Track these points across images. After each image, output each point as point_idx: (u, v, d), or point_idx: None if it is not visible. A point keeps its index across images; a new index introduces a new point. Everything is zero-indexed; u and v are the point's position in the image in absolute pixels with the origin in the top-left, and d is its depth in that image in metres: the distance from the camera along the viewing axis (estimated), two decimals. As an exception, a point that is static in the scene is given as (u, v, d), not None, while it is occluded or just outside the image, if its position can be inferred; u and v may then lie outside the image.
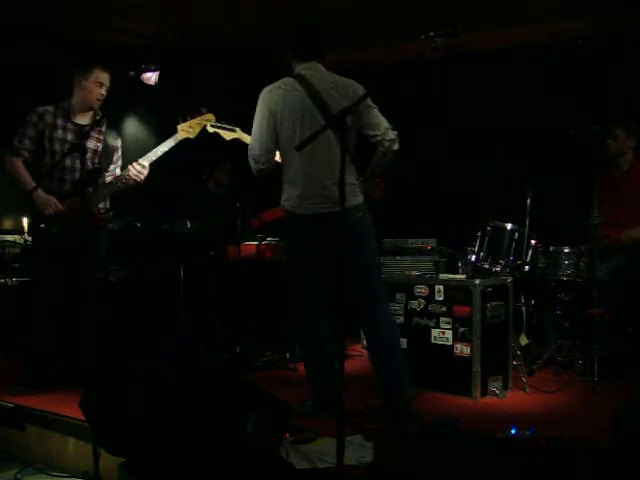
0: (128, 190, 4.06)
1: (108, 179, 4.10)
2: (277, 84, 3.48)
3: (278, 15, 5.45)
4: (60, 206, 3.88)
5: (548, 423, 3.32)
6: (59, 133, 3.96)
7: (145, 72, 5.69)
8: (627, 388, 4.05)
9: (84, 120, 4.05)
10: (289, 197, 3.47)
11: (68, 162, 3.93)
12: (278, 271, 5.05)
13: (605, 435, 2.42)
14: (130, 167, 3.95)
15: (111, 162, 4.14)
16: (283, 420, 2.66)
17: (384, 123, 3.43)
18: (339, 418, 2.32)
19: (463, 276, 4.28)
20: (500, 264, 4.43)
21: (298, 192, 3.42)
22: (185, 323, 4.86)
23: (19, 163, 3.92)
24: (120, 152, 4.23)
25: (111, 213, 4.10)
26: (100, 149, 4.06)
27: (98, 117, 4.08)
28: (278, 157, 3.57)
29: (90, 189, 3.90)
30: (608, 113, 5.01)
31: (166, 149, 4.02)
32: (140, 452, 2.61)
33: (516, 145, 5.54)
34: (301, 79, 3.43)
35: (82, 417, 2.90)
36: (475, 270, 4.38)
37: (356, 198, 3.40)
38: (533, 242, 4.56)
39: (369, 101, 3.40)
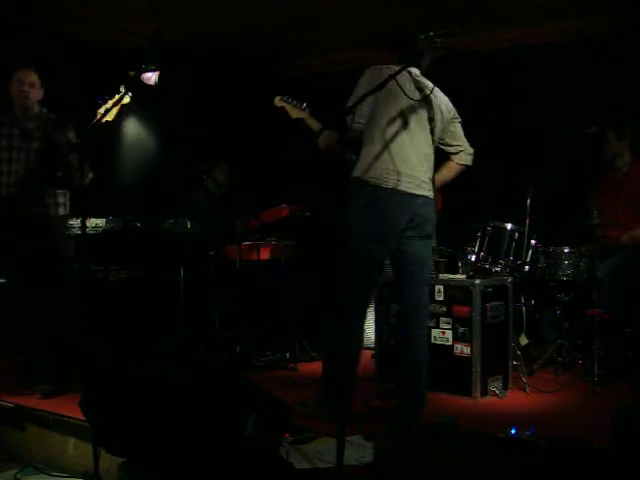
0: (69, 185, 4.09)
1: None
2: (385, 66, 3.37)
3: (278, 15, 5.45)
4: None
5: (548, 423, 3.33)
6: (3, 141, 4.02)
7: (145, 72, 5.68)
8: (627, 388, 4.05)
9: (29, 124, 4.08)
10: (379, 169, 3.33)
11: (14, 167, 3.98)
12: (278, 271, 5.07)
13: (605, 435, 2.42)
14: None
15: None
16: (283, 420, 2.65)
17: (463, 134, 3.57)
18: (339, 418, 2.32)
19: (463, 276, 4.28)
20: (500, 264, 4.43)
21: (391, 166, 3.32)
22: (185, 323, 4.86)
23: None
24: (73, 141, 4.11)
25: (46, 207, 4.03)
26: (42, 147, 4.01)
27: (44, 117, 4.09)
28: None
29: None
30: (608, 114, 5.02)
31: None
32: (140, 452, 2.61)
33: (516, 145, 5.54)
34: (413, 75, 3.44)
35: (82, 417, 2.90)
36: (475, 270, 4.38)
37: (430, 191, 3.43)
38: (533, 242, 4.56)
39: (456, 113, 3.55)
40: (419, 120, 3.40)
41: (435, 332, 4.07)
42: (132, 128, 6.30)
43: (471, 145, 3.62)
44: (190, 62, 6.22)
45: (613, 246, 4.57)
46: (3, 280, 4.31)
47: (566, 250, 4.63)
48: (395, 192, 3.30)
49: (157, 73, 5.75)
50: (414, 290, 3.44)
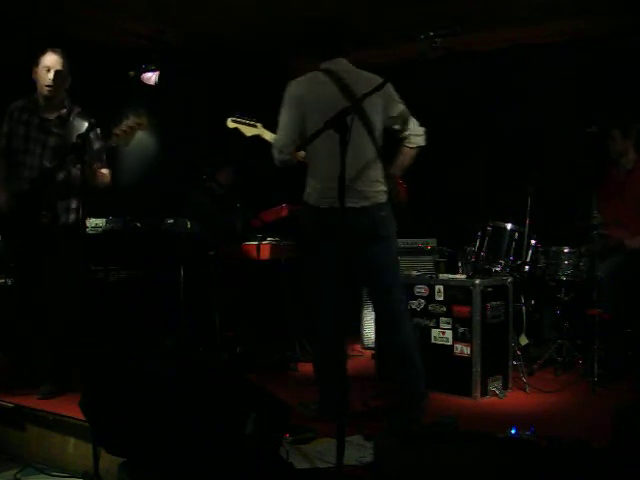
0: (95, 190, 3.84)
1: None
2: (303, 77, 3.41)
3: (278, 15, 5.45)
4: (6, 206, 3.76)
5: (548, 423, 3.33)
6: (20, 129, 3.82)
7: (145, 72, 5.69)
8: (627, 388, 4.05)
9: (50, 114, 3.84)
10: (312, 190, 3.40)
11: (29, 160, 3.79)
12: (278, 271, 5.07)
13: (605, 435, 2.42)
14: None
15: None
16: (283, 420, 2.65)
17: (412, 118, 3.45)
18: (339, 418, 2.32)
19: (463, 276, 4.28)
20: (500, 264, 4.44)
21: (320, 185, 3.35)
22: (185, 323, 4.86)
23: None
24: (98, 145, 3.86)
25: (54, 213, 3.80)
26: (60, 146, 3.79)
27: (64, 111, 3.85)
28: (302, 154, 3.51)
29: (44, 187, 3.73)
30: (608, 113, 5.02)
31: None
32: (140, 452, 2.61)
33: (516, 145, 5.54)
34: (328, 72, 3.38)
35: (82, 417, 2.90)
36: (475, 270, 4.38)
37: (380, 196, 3.36)
38: (533, 242, 4.57)
39: (396, 96, 3.42)
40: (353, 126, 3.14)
41: (435, 332, 4.07)
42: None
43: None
44: (190, 62, 6.22)
45: (614, 246, 4.57)
46: (9, 281, 4.29)
47: (566, 250, 4.63)
48: (327, 210, 3.28)
49: (157, 73, 5.75)
50: (384, 292, 3.43)
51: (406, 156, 3.51)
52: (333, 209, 3.24)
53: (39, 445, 3.49)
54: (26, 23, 5.35)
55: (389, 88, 3.34)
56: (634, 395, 3.86)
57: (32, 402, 3.67)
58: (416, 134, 3.48)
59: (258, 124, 3.67)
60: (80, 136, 3.26)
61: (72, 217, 3.84)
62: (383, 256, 3.40)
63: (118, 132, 3.49)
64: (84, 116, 3.82)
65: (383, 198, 3.37)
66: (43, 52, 3.79)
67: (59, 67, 3.78)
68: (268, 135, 3.61)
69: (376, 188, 3.35)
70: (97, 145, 3.83)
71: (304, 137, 3.30)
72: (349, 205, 3.20)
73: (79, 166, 3.52)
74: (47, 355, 3.91)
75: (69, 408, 3.37)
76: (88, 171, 3.53)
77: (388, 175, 3.42)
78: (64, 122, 3.83)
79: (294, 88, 3.38)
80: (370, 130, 3.33)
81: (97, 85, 5.11)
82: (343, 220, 2.59)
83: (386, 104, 3.37)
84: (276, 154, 3.42)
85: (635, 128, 4.66)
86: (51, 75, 3.75)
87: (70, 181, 3.77)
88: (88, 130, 3.46)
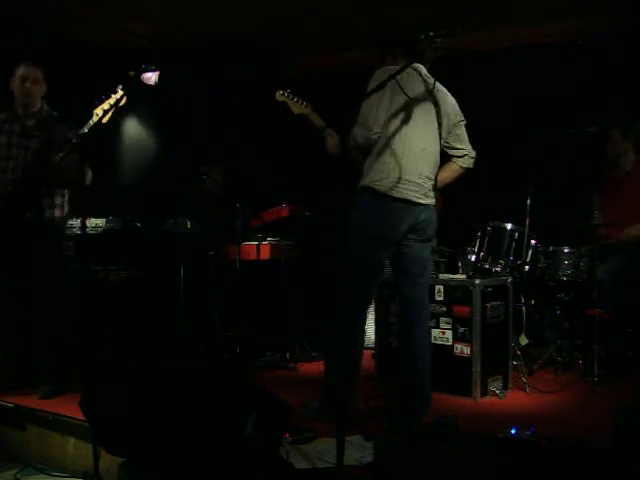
0: (65, 185, 4.00)
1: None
2: (397, 67, 3.28)
3: (278, 15, 5.45)
4: None
5: (548, 423, 3.33)
6: (3, 138, 3.97)
7: (145, 72, 5.67)
8: (627, 388, 4.05)
9: (31, 120, 4.01)
10: (386, 176, 3.32)
11: (12, 164, 3.92)
12: (278, 271, 5.07)
13: (605, 435, 2.42)
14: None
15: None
16: (283, 420, 2.65)
17: (467, 138, 3.55)
18: (339, 418, 2.32)
19: (463, 276, 4.28)
20: (500, 264, 4.43)
21: (397, 174, 3.32)
22: (185, 323, 4.86)
23: None
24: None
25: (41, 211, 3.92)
26: (41, 147, 3.94)
27: (44, 114, 4.03)
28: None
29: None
30: (608, 113, 5.02)
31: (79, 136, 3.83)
32: (140, 452, 2.61)
33: (516, 145, 5.54)
34: (417, 70, 3.41)
35: (82, 417, 2.90)
36: (475, 270, 4.38)
37: (433, 199, 3.44)
38: (533, 242, 4.56)
39: (462, 116, 3.54)
40: (426, 120, 3.37)
41: (435, 332, 4.07)
42: (132, 128, 6.30)
43: (472, 144, 3.61)
44: (190, 62, 6.22)
45: (614, 246, 4.57)
46: None
47: (566, 250, 4.63)
48: (400, 200, 3.30)
49: (157, 73, 5.74)
50: (414, 291, 3.44)
51: (453, 174, 3.57)
52: (407, 201, 3.32)
53: (39, 445, 3.49)
54: (26, 23, 5.35)
55: (457, 107, 3.52)
56: (634, 395, 3.86)
57: (32, 402, 3.68)
58: (470, 156, 3.56)
59: (309, 105, 3.61)
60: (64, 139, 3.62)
61: (57, 212, 3.98)
62: (427, 253, 3.53)
63: (99, 111, 3.66)
64: (63, 119, 4.03)
65: (434, 202, 3.46)
66: (18, 64, 4.00)
67: (34, 76, 3.98)
68: (316, 119, 3.56)
69: (432, 190, 3.44)
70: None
71: (387, 121, 3.30)
72: (417, 201, 3.34)
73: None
74: (45, 354, 3.92)
75: (69, 408, 3.37)
76: (74, 170, 3.69)
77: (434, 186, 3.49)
78: (44, 125, 4.00)
79: (386, 73, 3.21)
80: (440, 128, 3.43)
81: (97, 85, 5.10)
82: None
83: (455, 119, 3.50)
84: (363, 132, 3.31)
85: (634, 129, 4.66)
86: (28, 84, 3.96)
87: (52, 178, 3.90)
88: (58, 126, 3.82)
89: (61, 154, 3.80)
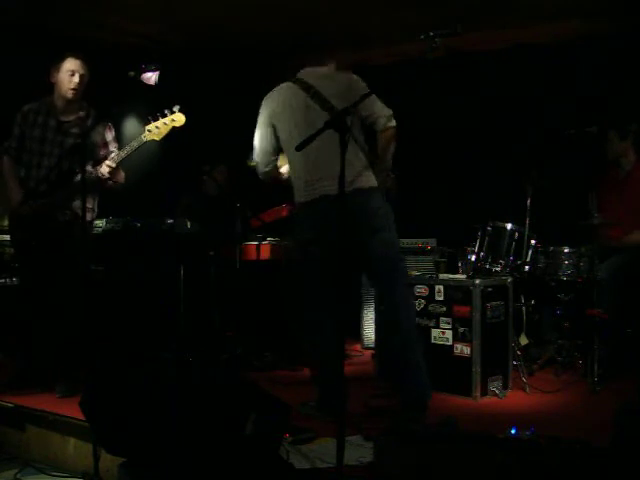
0: (108, 188, 3.99)
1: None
2: (275, 89, 3.56)
3: (278, 15, 5.45)
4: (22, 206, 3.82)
5: (548, 423, 3.33)
6: (37, 131, 3.87)
7: (145, 72, 5.67)
8: (627, 388, 4.05)
9: (68, 116, 3.91)
10: (297, 189, 3.49)
11: (45, 161, 3.84)
12: (278, 271, 5.07)
13: (605, 435, 2.42)
14: (99, 168, 3.84)
15: (96, 159, 3.95)
16: (283, 420, 2.65)
17: (377, 103, 3.43)
18: (339, 418, 2.32)
19: (463, 276, 4.27)
20: (500, 264, 4.44)
21: (303, 180, 3.43)
22: (185, 323, 4.86)
23: (9, 162, 3.93)
24: (113, 147, 4.04)
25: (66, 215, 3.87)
26: (78, 147, 3.77)
27: (82, 113, 3.94)
28: (285, 169, 3.64)
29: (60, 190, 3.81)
30: (608, 113, 5.02)
31: (130, 150, 3.84)
32: (140, 452, 2.61)
33: (516, 145, 5.54)
34: (297, 80, 3.49)
35: (82, 417, 2.90)
36: (475, 270, 4.38)
37: (364, 180, 3.36)
38: (533, 242, 4.56)
39: (365, 87, 3.43)
40: (314, 125, 3.13)
41: (435, 332, 4.07)
42: (132, 128, 6.30)
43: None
44: (190, 62, 6.22)
45: (614, 246, 4.57)
46: (9, 281, 4.29)
47: (566, 250, 4.63)
48: (314, 202, 3.39)
49: (157, 73, 5.74)
50: (383, 287, 3.46)
51: (382, 141, 3.46)
52: (322, 197, 3.39)
53: (39, 445, 3.49)
54: (26, 23, 5.35)
55: (354, 79, 3.47)
56: (634, 395, 3.86)
57: (32, 402, 3.67)
58: (384, 116, 3.42)
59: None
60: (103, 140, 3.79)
61: (88, 216, 3.90)
62: (383, 245, 3.45)
63: (150, 128, 3.70)
64: (101, 118, 3.94)
65: (370, 183, 3.42)
66: (62, 57, 3.89)
67: (83, 71, 3.90)
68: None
69: (360, 174, 3.38)
70: (112, 146, 4.02)
71: (278, 148, 3.54)
72: (333, 192, 3.28)
73: (96, 166, 3.80)
74: (60, 354, 3.90)
75: (69, 408, 3.37)
76: (112, 170, 3.79)
77: (378, 168, 3.47)
78: (83, 123, 3.90)
79: (265, 101, 3.56)
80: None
81: (97, 85, 5.10)
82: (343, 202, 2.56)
83: (351, 97, 3.20)
84: (257, 167, 3.65)
85: (632, 130, 4.66)
86: (76, 79, 3.86)
87: (87, 181, 3.78)
88: (96, 128, 3.77)
89: (110, 162, 3.79)
